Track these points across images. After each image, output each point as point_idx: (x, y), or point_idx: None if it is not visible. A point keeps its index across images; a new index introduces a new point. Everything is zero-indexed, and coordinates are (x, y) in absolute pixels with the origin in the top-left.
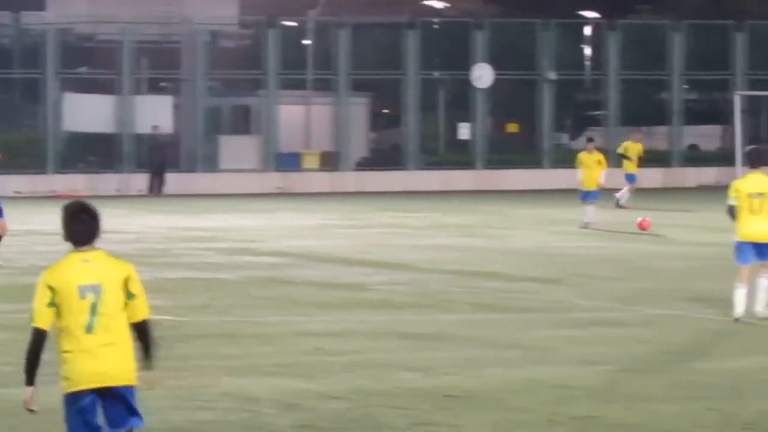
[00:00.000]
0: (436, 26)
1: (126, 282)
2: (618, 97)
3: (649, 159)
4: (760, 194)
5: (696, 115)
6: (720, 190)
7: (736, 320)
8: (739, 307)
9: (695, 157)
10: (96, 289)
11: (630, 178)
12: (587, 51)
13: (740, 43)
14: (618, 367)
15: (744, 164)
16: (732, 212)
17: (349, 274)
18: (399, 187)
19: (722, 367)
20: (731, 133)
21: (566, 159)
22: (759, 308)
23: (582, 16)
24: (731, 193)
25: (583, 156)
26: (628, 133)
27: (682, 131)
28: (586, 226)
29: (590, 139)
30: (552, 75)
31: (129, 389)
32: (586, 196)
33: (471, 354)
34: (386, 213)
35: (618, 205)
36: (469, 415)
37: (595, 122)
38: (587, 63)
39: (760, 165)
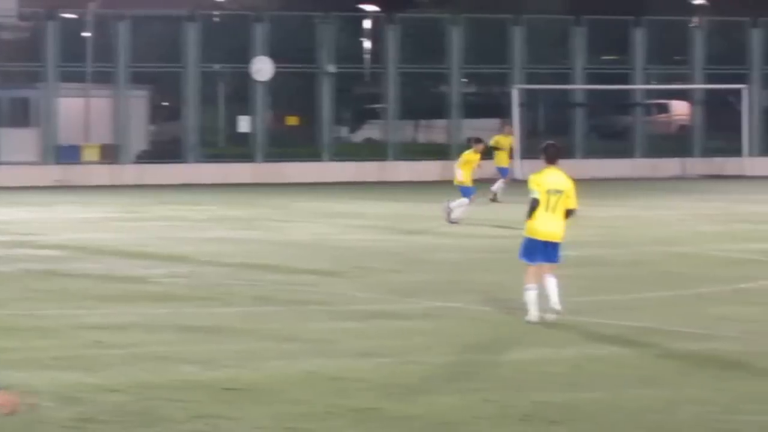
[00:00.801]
0: (216, 19)
1: None
2: (397, 90)
3: (428, 152)
4: (558, 191)
5: (474, 109)
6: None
7: (531, 323)
8: (534, 311)
9: None
10: None
11: (503, 171)
12: (367, 44)
13: (518, 37)
14: (397, 360)
15: (542, 159)
16: (534, 206)
17: (128, 267)
18: (179, 179)
19: (500, 359)
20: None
21: (346, 152)
22: (555, 305)
23: (361, 10)
24: (533, 187)
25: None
26: (405, 126)
27: (460, 124)
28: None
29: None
30: (331, 68)
31: None
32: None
33: (250, 347)
34: (166, 206)
35: (493, 200)
36: (249, 407)
37: (375, 115)
38: (367, 56)
39: (556, 160)
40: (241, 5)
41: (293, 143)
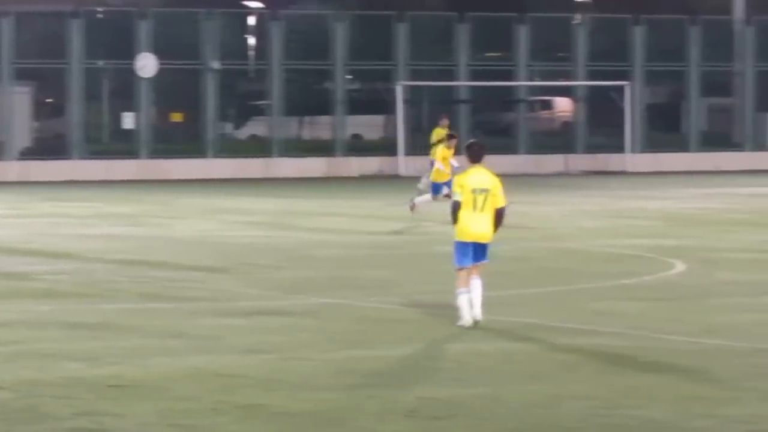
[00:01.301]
0: (100, 15)
1: None
2: (281, 86)
3: (313, 148)
4: (483, 190)
5: (359, 105)
6: (383, 179)
7: (464, 327)
8: (467, 315)
9: (358, 147)
10: None
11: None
12: (251, 41)
13: (402, 33)
14: (282, 356)
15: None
16: (456, 209)
17: (12, 263)
18: (63, 176)
19: (384, 355)
20: (394, 123)
21: (230, 148)
22: (476, 311)
23: (246, 6)
24: (455, 188)
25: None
26: (290, 122)
27: (345, 121)
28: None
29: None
30: (216, 64)
31: None
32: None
33: (136, 343)
34: (50, 202)
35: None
36: (134, 404)
37: (259, 112)
38: (251, 53)
39: (480, 159)
40: (124, 1)
41: (178, 140)
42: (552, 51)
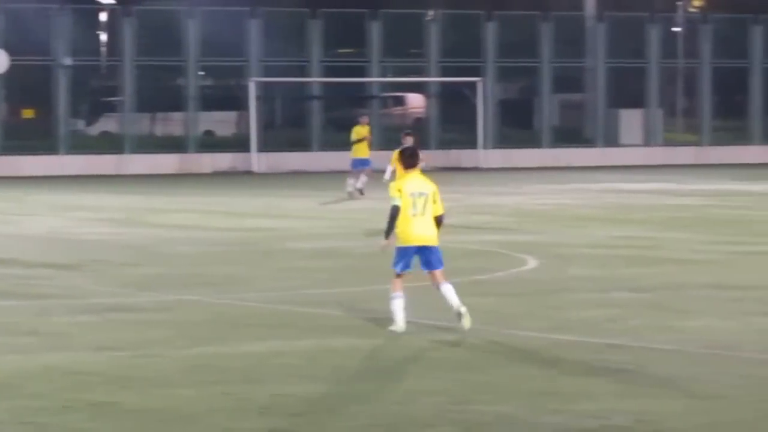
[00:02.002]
0: None
1: None
2: (134, 83)
3: (166, 145)
4: (422, 193)
5: (211, 101)
6: (235, 175)
7: (393, 333)
8: (401, 320)
9: (211, 143)
10: None
11: (364, 162)
12: (103, 37)
13: (254, 29)
14: (134, 353)
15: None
16: (395, 213)
17: None
18: None
19: (237, 352)
20: (246, 119)
21: (82, 145)
22: (458, 307)
23: (98, 2)
24: (393, 193)
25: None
26: (142, 119)
27: (197, 117)
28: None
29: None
30: (68, 61)
31: None
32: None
33: None
34: None
35: (359, 191)
36: None
37: (111, 108)
38: (103, 49)
39: (414, 165)
40: None
41: (29, 136)
42: (405, 47)
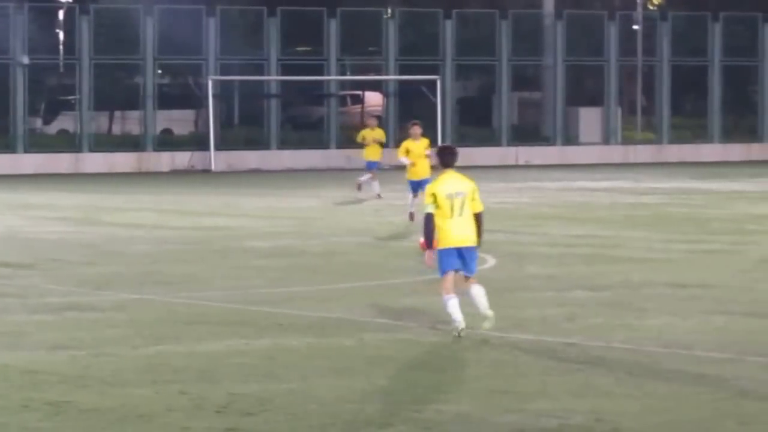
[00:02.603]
0: None
1: None
2: (91, 81)
3: (123, 143)
4: (459, 193)
5: (169, 100)
6: (193, 174)
7: (460, 335)
8: (460, 319)
9: (169, 142)
10: None
11: (371, 165)
12: (61, 35)
13: (212, 27)
14: (90, 352)
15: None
16: (429, 222)
17: None
18: None
19: (194, 350)
20: (205, 117)
21: (39, 143)
22: (486, 310)
23: (55, 0)
24: (427, 200)
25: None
26: (100, 117)
27: (155, 115)
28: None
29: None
30: (25, 59)
31: None
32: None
33: None
34: None
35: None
36: None
37: (69, 107)
38: (60, 47)
39: (452, 164)
40: None
41: None
42: (363, 45)
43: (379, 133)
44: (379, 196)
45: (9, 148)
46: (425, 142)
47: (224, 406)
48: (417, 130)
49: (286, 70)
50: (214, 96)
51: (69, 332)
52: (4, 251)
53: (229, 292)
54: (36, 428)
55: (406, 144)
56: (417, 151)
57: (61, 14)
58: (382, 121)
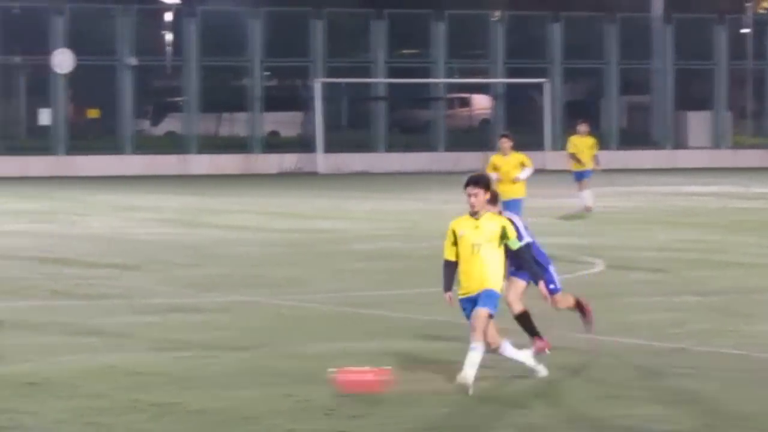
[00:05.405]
0: (16, 11)
1: None
2: (198, 83)
3: (230, 145)
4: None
5: (276, 102)
6: (299, 176)
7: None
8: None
9: (275, 144)
10: None
11: (579, 175)
12: (168, 36)
13: (319, 30)
14: (196, 354)
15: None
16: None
17: None
18: None
19: (300, 353)
20: (311, 120)
21: (146, 145)
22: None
23: (162, 2)
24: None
25: (575, 139)
26: (207, 119)
27: (262, 118)
28: (589, 210)
29: (583, 122)
30: (132, 61)
31: None
32: (580, 176)
33: (49, 341)
34: None
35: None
36: (49, 402)
37: (176, 108)
38: (168, 48)
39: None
40: None
41: (94, 136)
42: (470, 48)
43: (589, 142)
44: (588, 208)
45: (117, 149)
46: (518, 157)
47: (331, 409)
48: (506, 143)
49: (392, 72)
50: (321, 98)
51: (175, 334)
52: (111, 252)
53: (334, 295)
54: (142, 429)
55: (494, 159)
56: (505, 167)
57: (167, 16)
58: (490, 125)
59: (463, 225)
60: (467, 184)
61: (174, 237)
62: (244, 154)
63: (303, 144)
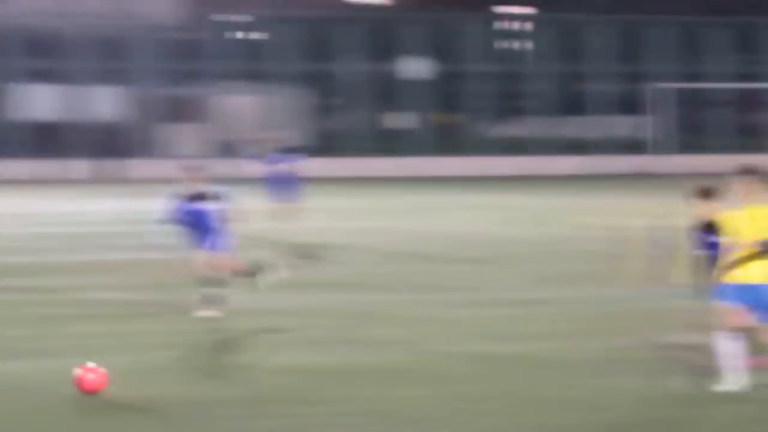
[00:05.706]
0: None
1: None
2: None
3: (570, 147)
4: None
5: (611, 106)
6: (635, 178)
7: None
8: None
9: (611, 146)
10: None
11: None
12: (515, 45)
13: (651, 36)
14: (548, 344)
15: None
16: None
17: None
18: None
19: (658, 343)
20: (650, 123)
21: (497, 147)
22: None
23: (510, 12)
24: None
25: None
26: (549, 122)
27: (607, 120)
28: None
29: None
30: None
31: None
32: None
33: (415, 331)
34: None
35: None
36: (416, 388)
37: (520, 112)
38: (516, 56)
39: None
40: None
41: (454, 138)
42: None
43: None
44: None
45: (470, 150)
46: None
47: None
48: None
49: (734, 77)
50: (655, 103)
51: (525, 326)
52: (468, 248)
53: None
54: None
55: None
56: None
57: (515, 24)
58: None
59: None
60: None
61: (525, 235)
62: (581, 156)
63: (638, 147)
